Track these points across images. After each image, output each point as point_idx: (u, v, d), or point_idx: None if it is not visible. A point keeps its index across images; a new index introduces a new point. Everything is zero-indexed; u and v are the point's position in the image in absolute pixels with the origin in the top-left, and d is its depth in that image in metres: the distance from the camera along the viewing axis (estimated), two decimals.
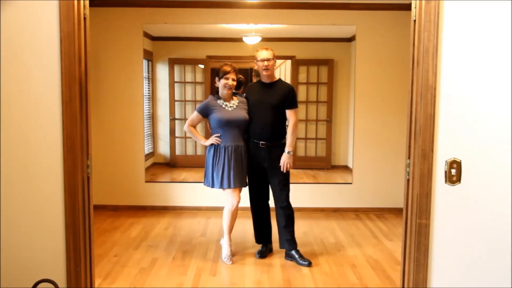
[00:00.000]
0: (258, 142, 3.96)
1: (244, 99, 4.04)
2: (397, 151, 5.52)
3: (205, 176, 4.02)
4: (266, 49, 3.97)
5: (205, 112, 3.96)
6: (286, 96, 3.91)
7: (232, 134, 3.92)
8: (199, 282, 3.59)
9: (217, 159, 3.91)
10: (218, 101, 3.96)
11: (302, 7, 5.40)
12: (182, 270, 3.81)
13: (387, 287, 3.53)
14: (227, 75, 3.91)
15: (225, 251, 4.01)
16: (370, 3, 5.37)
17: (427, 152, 2.23)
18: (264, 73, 3.94)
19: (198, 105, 4.07)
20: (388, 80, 5.58)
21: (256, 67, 4.02)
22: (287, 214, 4.00)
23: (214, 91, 4.08)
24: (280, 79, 4.09)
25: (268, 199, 4.19)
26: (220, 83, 3.95)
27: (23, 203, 2.36)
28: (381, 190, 5.70)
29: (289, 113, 3.94)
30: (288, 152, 3.88)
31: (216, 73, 4.00)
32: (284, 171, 3.90)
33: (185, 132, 7.27)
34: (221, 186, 3.93)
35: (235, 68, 3.96)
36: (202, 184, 4.09)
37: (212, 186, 3.97)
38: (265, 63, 3.90)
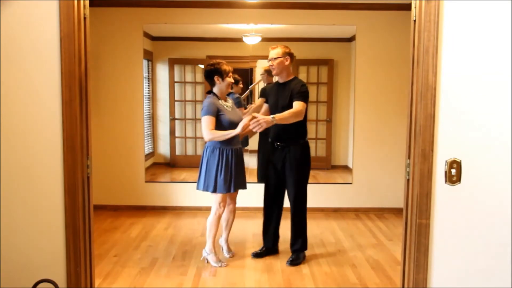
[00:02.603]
0: (274, 142, 3.93)
1: (232, 99, 4.01)
2: (397, 151, 5.52)
3: (206, 180, 3.81)
4: (273, 48, 3.85)
5: (216, 113, 3.75)
6: (293, 92, 3.76)
7: (235, 136, 3.84)
8: (199, 282, 3.59)
9: (223, 163, 3.78)
10: (220, 102, 3.85)
11: (302, 7, 5.40)
12: (182, 270, 3.81)
13: (387, 287, 3.53)
14: (230, 73, 3.85)
15: (215, 257, 3.92)
16: (370, 3, 5.37)
17: (427, 152, 2.23)
18: (272, 73, 3.89)
19: (205, 109, 3.74)
20: (388, 80, 5.59)
21: None
22: (295, 215, 3.95)
23: (207, 91, 3.93)
24: (295, 78, 3.91)
25: (281, 202, 4.10)
26: (225, 82, 3.82)
27: (23, 203, 2.36)
28: (381, 190, 5.70)
29: (294, 104, 3.72)
30: (272, 118, 3.55)
31: (214, 73, 3.80)
32: (252, 126, 3.51)
33: (185, 132, 7.29)
34: (228, 190, 3.81)
35: None
36: (199, 190, 3.88)
37: (214, 191, 3.79)
38: (270, 63, 3.85)
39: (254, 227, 4.97)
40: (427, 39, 2.18)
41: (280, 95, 3.87)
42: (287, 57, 3.83)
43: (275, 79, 4.07)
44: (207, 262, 3.94)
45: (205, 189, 3.84)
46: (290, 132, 3.85)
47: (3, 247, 2.36)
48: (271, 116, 3.57)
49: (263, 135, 5.62)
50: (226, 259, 4.04)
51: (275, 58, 3.82)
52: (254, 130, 3.53)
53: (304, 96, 3.75)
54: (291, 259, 3.95)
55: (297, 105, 3.70)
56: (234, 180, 3.84)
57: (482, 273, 2.26)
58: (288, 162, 3.89)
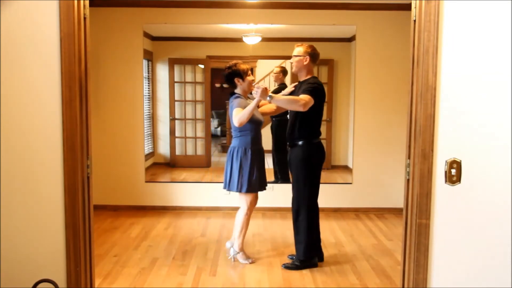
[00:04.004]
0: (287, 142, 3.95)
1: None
2: (397, 151, 5.52)
3: (240, 181, 3.82)
4: (297, 45, 3.81)
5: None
6: (302, 90, 3.67)
7: (260, 135, 3.91)
8: (199, 282, 3.59)
9: (257, 162, 3.84)
10: (247, 101, 3.84)
11: (302, 7, 5.40)
12: (182, 270, 3.81)
13: (387, 287, 3.53)
14: (249, 72, 3.85)
15: (244, 255, 3.98)
16: (370, 3, 5.37)
17: (427, 152, 2.23)
18: (292, 70, 3.86)
19: (235, 104, 3.74)
20: (388, 80, 5.59)
21: None
22: (295, 218, 3.90)
23: (230, 92, 3.92)
24: (311, 77, 3.79)
25: None
26: (246, 82, 3.83)
27: (23, 203, 2.36)
28: (381, 190, 5.70)
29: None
30: (270, 96, 3.51)
31: (233, 75, 3.82)
32: (256, 90, 3.55)
33: (185, 132, 7.29)
34: (262, 189, 3.91)
35: None
36: (232, 191, 3.92)
37: (248, 191, 3.84)
38: (291, 60, 3.82)
39: (254, 227, 4.97)
40: (427, 39, 2.18)
41: (296, 93, 3.82)
42: (307, 57, 3.76)
43: (293, 78, 4.06)
44: (234, 261, 3.96)
45: (239, 189, 3.85)
46: (292, 132, 3.82)
47: (3, 247, 2.36)
48: (270, 94, 3.54)
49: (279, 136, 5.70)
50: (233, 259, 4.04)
51: (295, 56, 3.80)
52: (253, 93, 3.59)
53: (309, 91, 3.61)
54: (287, 263, 3.91)
55: (302, 96, 3.59)
56: (264, 178, 3.93)
57: (482, 273, 2.26)
58: (291, 162, 3.89)
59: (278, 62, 6.89)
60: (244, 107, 3.70)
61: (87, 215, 2.45)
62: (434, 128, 2.22)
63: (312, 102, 3.59)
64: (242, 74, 3.82)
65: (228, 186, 3.92)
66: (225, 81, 3.91)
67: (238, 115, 3.64)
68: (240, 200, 3.94)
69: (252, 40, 6.16)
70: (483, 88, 2.18)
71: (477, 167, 2.20)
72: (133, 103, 5.63)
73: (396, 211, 5.56)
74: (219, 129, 9.77)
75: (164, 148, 7.29)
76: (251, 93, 3.96)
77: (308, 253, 3.86)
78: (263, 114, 3.96)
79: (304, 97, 3.56)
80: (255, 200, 3.95)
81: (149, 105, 6.72)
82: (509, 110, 2.15)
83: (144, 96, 5.82)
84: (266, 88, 3.52)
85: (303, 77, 3.83)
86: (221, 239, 4.61)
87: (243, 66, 3.83)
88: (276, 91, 4.26)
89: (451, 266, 2.28)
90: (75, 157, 2.34)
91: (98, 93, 5.53)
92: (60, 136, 2.32)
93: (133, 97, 5.62)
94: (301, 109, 3.55)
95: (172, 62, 7.10)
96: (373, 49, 5.55)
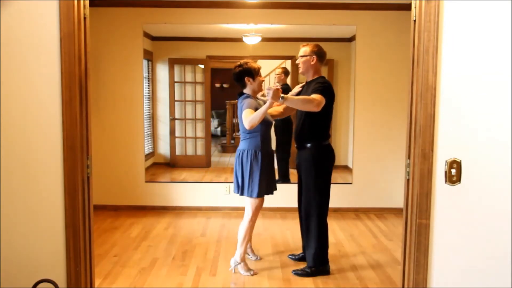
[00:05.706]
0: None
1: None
2: (397, 151, 5.52)
3: (251, 185, 3.65)
4: (303, 45, 3.70)
5: (255, 110, 3.54)
6: (311, 90, 3.56)
7: (270, 136, 3.78)
8: (199, 282, 3.59)
9: (267, 166, 3.68)
10: (257, 101, 3.69)
11: (302, 7, 5.40)
12: (182, 270, 3.81)
13: (387, 287, 3.53)
14: (259, 71, 3.70)
15: (246, 266, 3.76)
16: (370, 3, 5.38)
17: (427, 152, 2.23)
18: (299, 71, 3.74)
19: (245, 105, 3.56)
20: (388, 80, 5.59)
21: None
22: (305, 224, 3.75)
23: (238, 92, 3.78)
24: (319, 77, 3.69)
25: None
26: (256, 82, 3.67)
27: (23, 203, 2.36)
28: (381, 190, 5.70)
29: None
30: (282, 97, 3.38)
31: (244, 74, 3.67)
32: (267, 92, 3.40)
33: (185, 132, 7.29)
34: (271, 192, 3.76)
35: None
36: (244, 195, 3.71)
37: (258, 196, 3.65)
38: (297, 60, 3.72)
39: (255, 228, 4.96)
40: (427, 39, 2.18)
41: (304, 93, 3.70)
42: (314, 56, 3.65)
43: (301, 78, 3.97)
44: (234, 272, 3.75)
45: (249, 194, 3.67)
46: (301, 134, 3.70)
47: (3, 247, 2.36)
48: (283, 95, 3.39)
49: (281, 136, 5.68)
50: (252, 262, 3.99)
51: (302, 56, 3.68)
52: (266, 95, 3.45)
53: (320, 90, 3.50)
54: (297, 269, 3.76)
55: (314, 96, 3.46)
56: (273, 182, 3.80)
57: (482, 273, 2.26)
58: (299, 164, 3.77)
59: (278, 62, 6.90)
60: (254, 107, 3.54)
61: (87, 215, 2.45)
62: (434, 128, 2.22)
63: (324, 101, 3.47)
64: (253, 73, 3.65)
65: (240, 191, 3.73)
66: (234, 80, 3.73)
67: (249, 117, 3.44)
68: (246, 205, 3.74)
69: (252, 40, 6.16)
70: (483, 88, 2.17)
71: (477, 167, 2.20)
72: (133, 103, 5.63)
73: (396, 211, 5.56)
74: (219, 129, 9.78)
75: (164, 148, 7.29)
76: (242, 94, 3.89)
77: (320, 260, 3.71)
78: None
79: (317, 97, 3.42)
80: (261, 204, 3.73)
81: (149, 105, 6.72)
82: (509, 110, 2.15)
83: (144, 96, 5.82)
84: (278, 89, 3.34)
85: (310, 77, 3.71)
86: (221, 239, 4.62)
87: (254, 65, 3.67)
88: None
89: (451, 266, 2.28)
90: (75, 157, 2.34)
91: (98, 93, 5.53)
92: (60, 136, 2.32)
93: (133, 97, 5.62)
94: (315, 109, 3.43)
95: (172, 62, 7.10)
96: (373, 49, 5.55)
